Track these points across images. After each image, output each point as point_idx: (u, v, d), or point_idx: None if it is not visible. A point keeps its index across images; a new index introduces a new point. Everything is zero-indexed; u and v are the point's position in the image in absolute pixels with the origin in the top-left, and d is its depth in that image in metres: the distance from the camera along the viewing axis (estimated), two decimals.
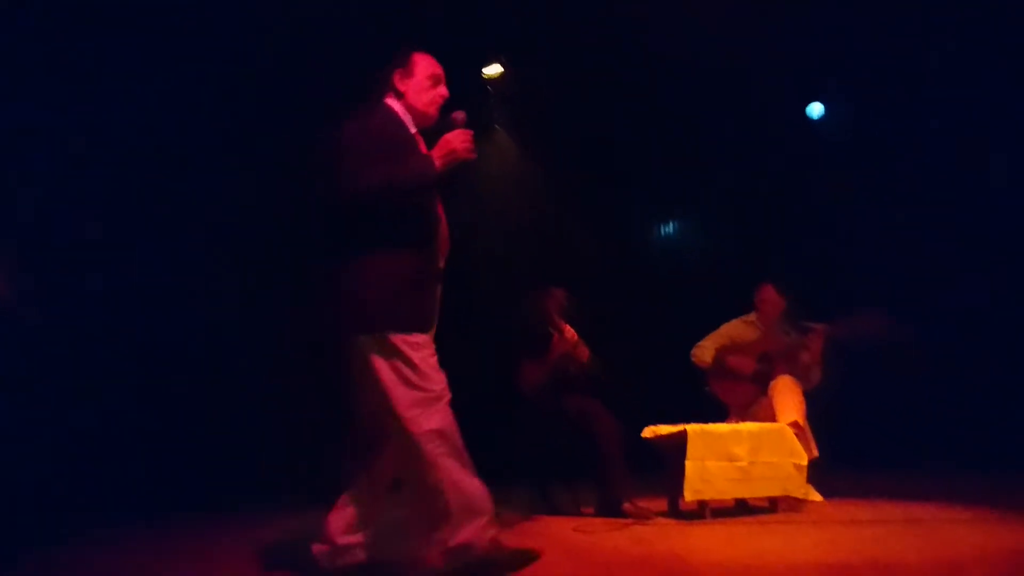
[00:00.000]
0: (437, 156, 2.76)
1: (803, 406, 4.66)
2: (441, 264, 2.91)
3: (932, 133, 6.23)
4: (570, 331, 4.72)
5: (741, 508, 4.27)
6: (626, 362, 6.26)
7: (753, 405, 4.87)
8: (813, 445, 4.59)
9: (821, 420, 4.74)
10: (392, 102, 2.92)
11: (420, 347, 2.73)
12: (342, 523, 2.88)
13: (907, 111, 6.25)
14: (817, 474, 4.50)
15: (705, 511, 4.08)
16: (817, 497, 4.50)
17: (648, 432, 4.39)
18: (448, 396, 2.75)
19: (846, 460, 5.14)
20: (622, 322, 6.48)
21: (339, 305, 2.77)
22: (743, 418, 4.76)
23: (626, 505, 4.26)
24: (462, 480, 2.69)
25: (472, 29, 6.22)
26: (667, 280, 7.30)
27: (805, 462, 4.32)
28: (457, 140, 2.76)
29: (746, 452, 4.16)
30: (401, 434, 2.69)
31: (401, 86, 2.93)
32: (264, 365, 5.73)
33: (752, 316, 5.11)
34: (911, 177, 6.36)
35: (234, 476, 5.24)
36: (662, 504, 4.27)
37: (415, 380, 2.70)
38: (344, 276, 2.76)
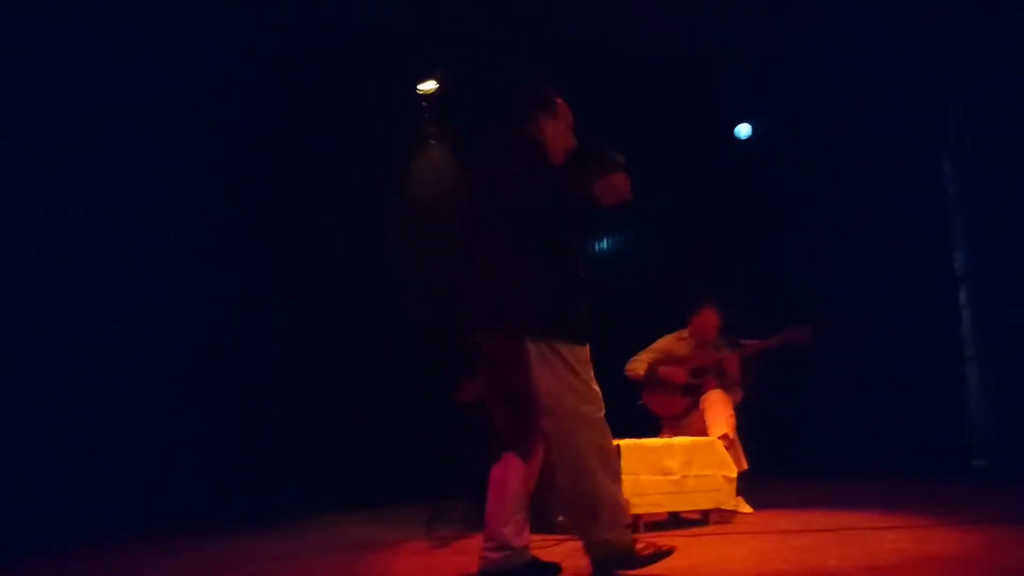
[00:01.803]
0: (603, 194, 2.83)
1: (733, 419, 4.74)
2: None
3: (855, 147, 6.45)
4: None
5: (674, 521, 4.31)
6: None
7: (685, 418, 4.94)
8: (743, 457, 4.67)
9: (751, 432, 4.83)
10: (536, 133, 2.99)
11: (583, 360, 2.84)
12: (515, 526, 2.94)
13: (832, 127, 6.46)
14: (747, 486, 4.58)
15: (638, 524, 4.10)
16: (747, 508, 4.58)
17: None
18: (603, 411, 2.87)
19: (775, 471, 5.25)
20: None
21: (504, 307, 2.85)
22: (675, 432, 4.82)
23: (561, 519, 4.25)
24: (611, 487, 2.84)
25: (407, 45, 6.22)
26: (601, 295, 7.35)
27: (735, 474, 4.40)
28: (621, 182, 2.85)
29: (678, 466, 4.21)
30: (562, 439, 2.81)
31: (545, 126, 2.99)
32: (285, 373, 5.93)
33: (685, 332, 5.18)
34: (836, 191, 6.58)
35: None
36: None
37: (580, 389, 2.80)
38: (510, 280, 2.84)
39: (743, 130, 6.95)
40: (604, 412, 2.88)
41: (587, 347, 2.90)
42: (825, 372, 6.51)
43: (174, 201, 5.65)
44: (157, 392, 5.46)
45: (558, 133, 3.01)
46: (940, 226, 6.32)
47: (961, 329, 6.20)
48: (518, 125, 2.99)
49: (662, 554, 2.87)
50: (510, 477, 2.96)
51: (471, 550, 3.89)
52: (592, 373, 2.89)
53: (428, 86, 6.61)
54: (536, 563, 3.00)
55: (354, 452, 6.07)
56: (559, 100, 3.07)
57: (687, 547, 3.42)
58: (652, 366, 5.08)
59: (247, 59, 5.76)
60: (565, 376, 2.80)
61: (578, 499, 2.85)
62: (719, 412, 4.73)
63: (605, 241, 8.03)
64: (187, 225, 5.73)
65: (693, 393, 4.95)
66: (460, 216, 3.22)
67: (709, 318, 5.09)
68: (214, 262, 5.79)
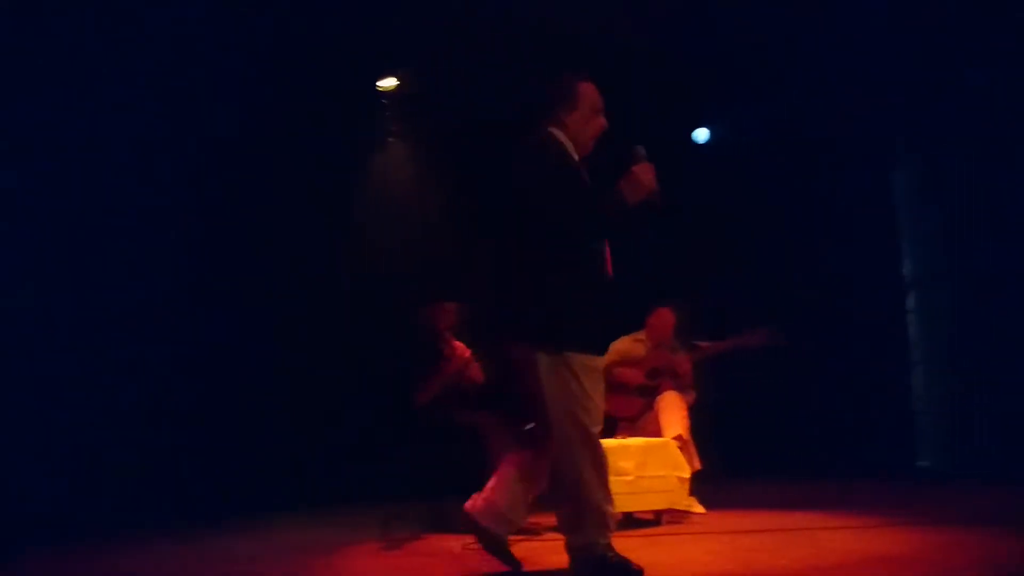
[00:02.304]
0: (627, 190, 2.82)
1: (687, 420, 4.80)
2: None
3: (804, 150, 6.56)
4: (461, 347, 4.70)
5: (628, 521, 4.34)
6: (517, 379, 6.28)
7: (640, 419, 4.98)
8: (696, 458, 4.73)
9: (704, 433, 4.90)
10: (556, 131, 2.95)
11: (591, 369, 2.86)
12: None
13: (787, 135, 6.57)
14: (700, 486, 4.64)
15: None
16: (700, 509, 4.63)
17: None
18: (600, 425, 2.92)
19: (727, 472, 5.32)
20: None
21: (519, 317, 2.88)
22: (631, 432, 4.86)
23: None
24: (599, 493, 2.93)
25: (367, 42, 6.16)
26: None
27: (688, 475, 4.45)
28: (644, 174, 2.82)
29: (633, 467, 4.24)
30: (560, 447, 2.89)
31: (566, 118, 2.97)
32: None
33: (641, 334, 5.23)
34: (790, 198, 6.69)
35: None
36: (552, 519, 4.29)
37: (583, 401, 2.84)
38: (524, 291, 2.86)
39: (701, 134, 7.02)
40: (601, 427, 2.95)
41: (599, 356, 2.93)
42: (777, 375, 6.60)
43: (143, 200, 5.64)
44: (110, 393, 5.39)
45: (581, 122, 2.99)
46: (890, 235, 6.47)
47: (909, 334, 6.35)
48: (540, 127, 2.99)
49: (631, 572, 2.91)
50: (505, 473, 3.10)
51: (426, 552, 3.89)
52: (600, 384, 2.94)
53: (388, 83, 6.55)
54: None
55: (307, 454, 6.01)
56: (581, 85, 3.03)
57: (641, 547, 3.45)
58: (608, 368, 5.10)
59: (209, 55, 5.69)
60: (571, 387, 2.85)
61: (568, 503, 2.94)
62: (673, 413, 4.78)
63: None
64: (148, 222, 5.69)
65: (649, 394, 5.00)
66: (476, 224, 3.25)
67: (665, 319, 5.14)
68: (169, 259, 5.73)
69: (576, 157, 2.99)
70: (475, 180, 6.41)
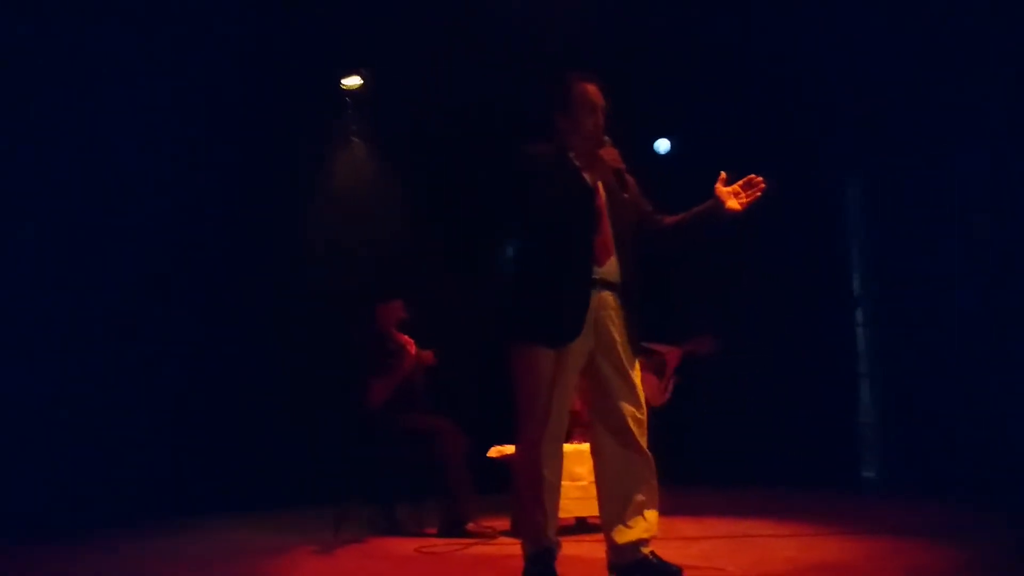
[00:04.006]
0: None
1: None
2: (596, 275, 2.96)
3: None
4: (407, 340, 4.69)
5: (581, 526, 4.39)
6: (472, 380, 6.31)
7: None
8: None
9: (653, 441, 4.96)
10: (556, 136, 3.02)
11: (544, 361, 2.87)
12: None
13: (741, 149, 6.68)
14: None
15: None
16: None
17: (494, 452, 4.44)
18: (546, 424, 2.91)
19: (677, 479, 5.40)
20: (469, 340, 6.52)
21: (499, 313, 3.06)
22: (586, 438, 4.89)
23: (470, 525, 4.28)
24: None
25: (332, 40, 6.14)
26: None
27: None
28: (609, 155, 2.95)
29: (587, 472, 4.26)
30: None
31: (561, 123, 3.02)
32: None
33: None
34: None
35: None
36: (506, 523, 4.32)
37: (532, 393, 2.88)
38: (509, 287, 3.04)
39: (662, 145, 7.12)
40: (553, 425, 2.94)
41: (571, 349, 2.90)
42: (726, 385, 6.72)
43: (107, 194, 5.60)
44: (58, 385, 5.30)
45: (574, 124, 3.01)
46: (841, 249, 6.62)
47: (856, 347, 6.51)
48: (543, 131, 3.05)
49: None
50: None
51: (373, 554, 3.89)
52: (569, 379, 2.93)
53: (352, 82, 6.53)
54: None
55: (257, 454, 5.95)
56: (576, 86, 3.04)
57: (593, 551, 3.49)
58: None
59: (174, 50, 5.63)
60: (534, 380, 2.88)
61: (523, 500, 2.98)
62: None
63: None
64: (112, 215, 5.62)
65: None
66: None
67: None
68: (114, 255, 5.65)
69: (576, 159, 3.00)
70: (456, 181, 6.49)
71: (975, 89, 5.39)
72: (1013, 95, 5.21)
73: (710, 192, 3.09)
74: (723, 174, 3.05)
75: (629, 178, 3.04)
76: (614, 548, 2.99)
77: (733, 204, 2.97)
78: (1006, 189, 5.29)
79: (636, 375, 3.06)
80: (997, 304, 5.30)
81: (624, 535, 2.96)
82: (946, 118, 5.60)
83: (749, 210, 3.00)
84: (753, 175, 3.02)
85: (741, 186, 3.01)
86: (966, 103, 5.46)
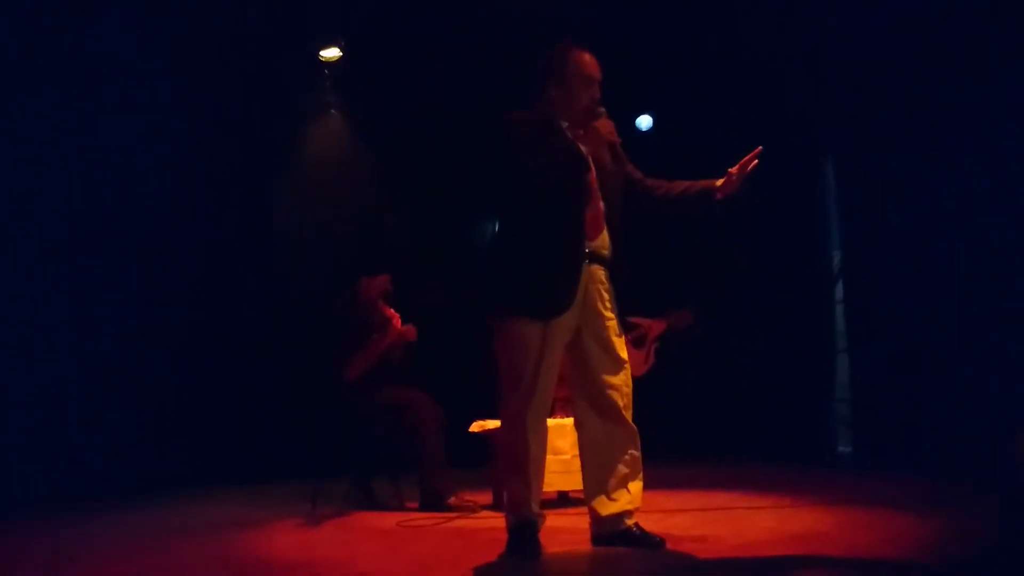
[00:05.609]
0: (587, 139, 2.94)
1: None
2: (588, 248, 2.95)
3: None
4: (392, 312, 4.69)
5: (563, 500, 4.42)
6: (452, 356, 6.31)
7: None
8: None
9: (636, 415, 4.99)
10: (548, 107, 2.95)
11: (531, 334, 2.83)
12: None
13: (722, 125, 6.69)
14: None
15: None
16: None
17: (476, 427, 4.45)
18: (531, 397, 2.88)
19: (656, 454, 5.44)
20: (449, 315, 6.52)
21: (483, 288, 3.00)
22: (567, 413, 4.92)
23: (451, 499, 4.29)
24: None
25: (311, 12, 6.04)
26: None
27: None
28: (605, 127, 2.96)
29: (569, 446, 4.30)
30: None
31: (555, 95, 2.94)
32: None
33: None
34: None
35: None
36: (488, 497, 4.34)
37: (520, 369, 2.85)
38: (493, 259, 2.99)
39: (644, 121, 7.10)
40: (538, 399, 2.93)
41: (559, 323, 2.88)
42: (705, 360, 6.77)
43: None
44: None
45: (567, 97, 2.96)
46: (821, 226, 6.65)
47: (835, 322, 6.56)
48: (534, 105, 2.99)
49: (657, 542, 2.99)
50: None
51: (353, 528, 3.90)
52: (556, 353, 2.90)
53: (331, 53, 6.44)
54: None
55: (233, 428, 5.94)
56: (571, 58, 2.98)
57: (574, 524, 3.52)
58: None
59: (147, 20, 5.53)
60: (520, 353, 2.86)
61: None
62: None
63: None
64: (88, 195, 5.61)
65: None
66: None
67: None
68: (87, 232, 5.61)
69: (569, 130, 2.97)
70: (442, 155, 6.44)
71: (957, 67, 5.40)
72: (996, 76, 5.23)
73: (693, 169, 3.09)
74: (759, 148, 3.06)
75: (621, 152, 3.03)
76: (597, 520, 3.01)
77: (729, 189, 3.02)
78: (986, 165, 5.33)
79: (622, 349, 3.05)
80: (973, 281, 5.35)
81: (607, 507, 2.98)
82: (932, 96, 5.62)
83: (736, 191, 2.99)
84: (748, 157, 3.00)
85: (738, 169, 3.00)
86: (946, 78, 5.47)
